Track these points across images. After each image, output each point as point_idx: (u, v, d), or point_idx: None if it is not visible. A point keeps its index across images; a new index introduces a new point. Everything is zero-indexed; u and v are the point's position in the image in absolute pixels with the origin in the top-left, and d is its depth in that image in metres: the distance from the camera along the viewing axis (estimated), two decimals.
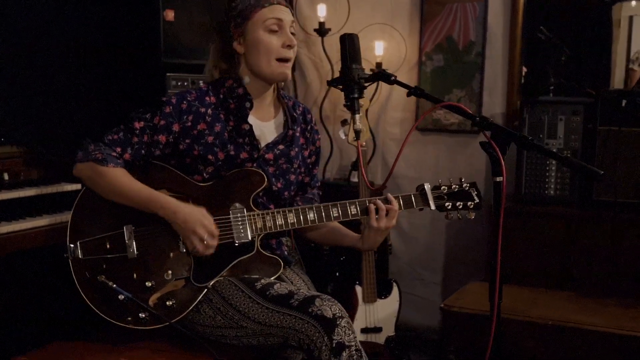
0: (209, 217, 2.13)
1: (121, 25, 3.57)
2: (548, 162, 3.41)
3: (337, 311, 2.01)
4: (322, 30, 3.92)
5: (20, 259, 2.42)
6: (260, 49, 2.21)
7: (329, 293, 3.44)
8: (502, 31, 3.80)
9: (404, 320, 3.96)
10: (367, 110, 3.89)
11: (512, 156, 3.47)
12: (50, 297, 2.68)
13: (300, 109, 2.43)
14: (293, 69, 4.14)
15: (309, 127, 2.44)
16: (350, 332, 2.01)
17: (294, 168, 2.35)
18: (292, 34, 2.25)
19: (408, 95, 2.03)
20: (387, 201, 2.27)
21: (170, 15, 3.56)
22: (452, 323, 2.82)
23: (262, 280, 2.16)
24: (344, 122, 3.57)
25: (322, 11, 3.93)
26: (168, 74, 3.49)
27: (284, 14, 2.24)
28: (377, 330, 3.36)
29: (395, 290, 3.43)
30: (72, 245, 2.14)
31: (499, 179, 1.87)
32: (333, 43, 4.04)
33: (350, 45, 2.11)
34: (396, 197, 2.31)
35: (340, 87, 2.12)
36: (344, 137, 3.43)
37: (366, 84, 2.12)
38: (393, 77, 2.08)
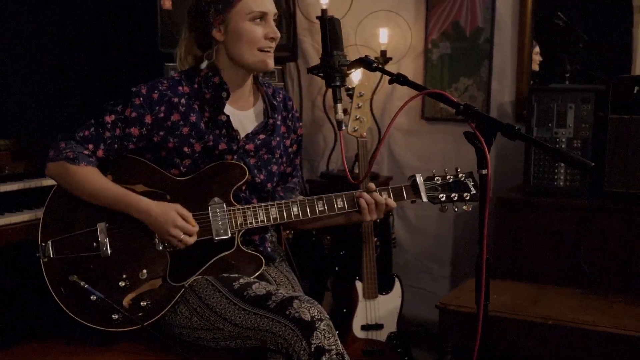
0: (184, 212, 2.05)
1: (117, 14, 3.49)
2: None
3: (315, 313, 1.91)
4: (324, 17, 3.79)
5: None
6: (243, 39, 2.12)
7: (328, 289, 3.36)
8: (511, 16, 3.67)
9: (411, 315, 3.86)
10: (371, 100, 3.79)
11: (521, 146, 3.34)
12: (24, 296, 2.62)
13: (281, 96, 2.32)
14: (296, 57, 4.06)
15: (290, 115, 2.33)
16: (331, 335, 1.91)
17: (275, 158, 2.26)
18: (274, 23, 2.16)
19: (390, 82, 1.93)
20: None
21: (167, 3, 3.48)
22: (449, 322, 2.71)
23: (241, 280, 2.06)
24: (344, 112, 3.45)
25: None
26: (166, 64, 3.41)
27: (268, 5, 2.15)
28: (379, 327, 3.25)
29: (397, 286, 3.32)
30: (43, 244, 2.06)
31: (484, 171, 1.75)
32: None
33: (331, 29, 2.00)
34: (386, 189, 2.21)
35: (321, 74, 2.01)
36: (344, 128, 3.31)
37: (348, 71, 2.01)
38: (375, 64, 1.96)
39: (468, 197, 2.27)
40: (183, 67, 2.22)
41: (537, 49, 3.73)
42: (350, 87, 3.28)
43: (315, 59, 4.10)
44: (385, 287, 3.29)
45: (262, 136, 2.22)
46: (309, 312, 1.91)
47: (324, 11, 3.81)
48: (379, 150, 1.86)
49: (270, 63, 2.16)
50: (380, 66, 1.97)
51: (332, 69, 1.98)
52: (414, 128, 3.94)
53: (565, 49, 3.66)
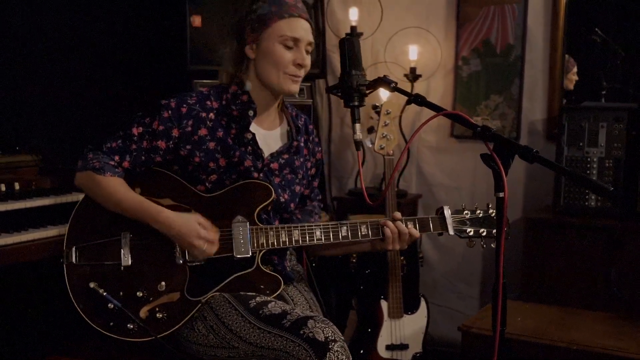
0: (204, 222, 2.06)
1: (147, 31, 3.54)
2: (589, 170, 3.21)
3: (329, 334, 1.89)
4: (353, 35, 3.79)
5: (21, 270, 2.39)
6: (271, 60, 2.12)
7: (352, 307, 3.33)
8: (543, 33, 3.63)
9: (439, 334, 3.81)
10: (400, 118, 3.76)
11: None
12: (47, 311, 2.64)
13: (302, 119, 2.34)
14: (325, 74, 4.06)
15: (310, 138, 2.35)
16: (345, 356, 1.89)
17: (298, 179, 2.26)
18: (306, 52, 2.15)
19: (407, 103, 1.91)
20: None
21: (197, 21, 3.51)
22: (471, 344, 2.65)
23: (258, 298, 2.06)
24: (370, 130, 3.45)
25: (353, 15, 3.81)
26: (195, 81, 3.44)
27: (303, 32, 2.13)
28: (404, 347, 3.21)
29: (423, 305, 3.27)
30: (67, 250, 2.09)
31: (501, 194, 1.71)
32: (366, 48, 3.91)
33: (349, 49, 1.98)
34: (412, 219, 2.19)
35: (339, 94, 2.00)
36: (370, 146, 3.30)
37: (367, 91, 1.99)
38: (393, 84, 1.94)
39: None
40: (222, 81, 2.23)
41: (575, 69, 3.67)
42: (377, 104, 3.27)
43: None
44: (411, 307, 3.25)
45: (285, 156, 2.22)
46: (323, 333, 1.89)
47: (353, 28, 3.81)
48: (395, 173, 1.84)
49: (295, 88, 2.15)
50: (398, 86, 1.95)
51: (351, 89, 1.96)
52: (443, 146, 3.91)
53: (602, 66, 3.60)
